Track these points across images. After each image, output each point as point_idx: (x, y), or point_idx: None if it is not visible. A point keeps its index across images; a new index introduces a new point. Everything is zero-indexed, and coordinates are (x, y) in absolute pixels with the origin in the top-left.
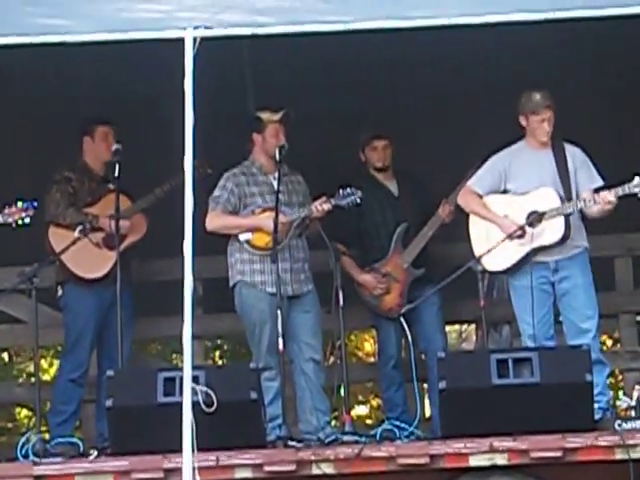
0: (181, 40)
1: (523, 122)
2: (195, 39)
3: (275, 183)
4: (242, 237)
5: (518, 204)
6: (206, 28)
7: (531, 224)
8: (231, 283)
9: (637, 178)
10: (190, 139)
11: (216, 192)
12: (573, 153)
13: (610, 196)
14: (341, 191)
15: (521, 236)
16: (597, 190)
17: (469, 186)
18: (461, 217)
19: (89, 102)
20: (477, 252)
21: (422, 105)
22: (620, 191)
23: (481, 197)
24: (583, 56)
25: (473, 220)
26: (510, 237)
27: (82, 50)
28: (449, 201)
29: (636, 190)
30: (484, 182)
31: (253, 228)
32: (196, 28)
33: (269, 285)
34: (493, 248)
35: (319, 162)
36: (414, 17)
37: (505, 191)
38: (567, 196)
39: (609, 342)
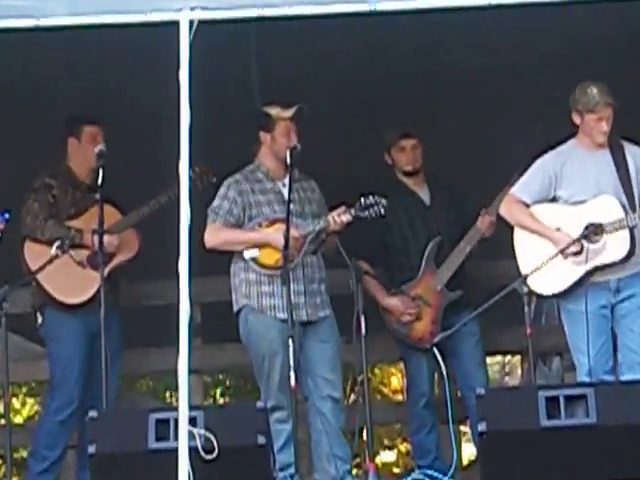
0: (175, 23)
1: (577, 120)
2: (192, 22)
3: (285, 191)
4: (247, 254)
5: (573, 215)
6: (204, 9)
7: (589, 238)
8: (235, 308)
9: None
10: (186, 140)
11: (216, 202)
12: (634, 154)
13: None
14: (362, 200)
15: (577, 253)
16: None
17: (513, 194)
18: (504, 231)
19: (71, 99)
20: (524, 271)
21: (457, 98)
22: None
23: (528, 206)
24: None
25: (519, 234)
26: (563, 253)
27: (57, 36)
28: (489, 212)
29: None
30: (531, 189)
31: (260, 244)
32: (193, 9)
33: (280, 310)
34: (543, 266)
35: (336, 166)
36: None
37: (555, 199)
38: (631, 205)
39: None
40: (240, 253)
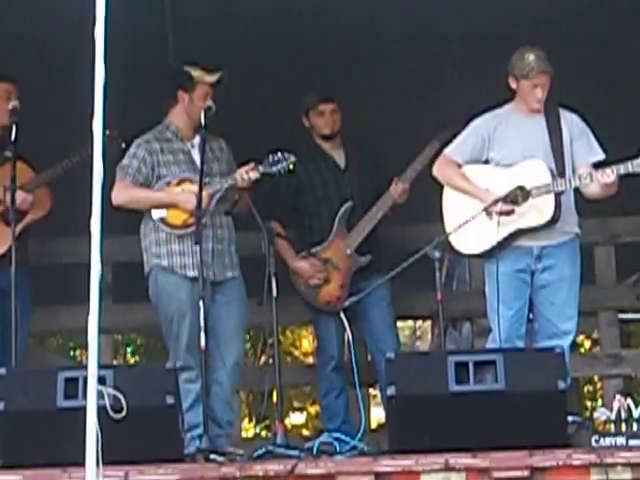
0: None
1: (513, 85)
2: None
3: (194, 151)
4: (155, 214)
5: (503, 177)
6: None
7: (515, 201)
8: (146, 269)
9: None
10: (100, 98)
11: (125, 160)
12: (570, 121)
13: (610, 175)
14: (270, 156)
15: (503, 213)
16: (596, 166)
17: (446, 154)
18: (417, 195)
19: None
20: (450, 230)
21: (382, 66)
22: (623, 169)
23: (460, 167)
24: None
25: (448, 193)
26: (488, 212)
27: None
28: (402, 179)
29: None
30: (464, 149)
31: (167, 204)
32: None
33: (190, 268)
34: (467, 222)
35: (251, 127)
36: None
37: (487, 161)
38: (559, 171)
39: (587, 343)
40: (149, 213)
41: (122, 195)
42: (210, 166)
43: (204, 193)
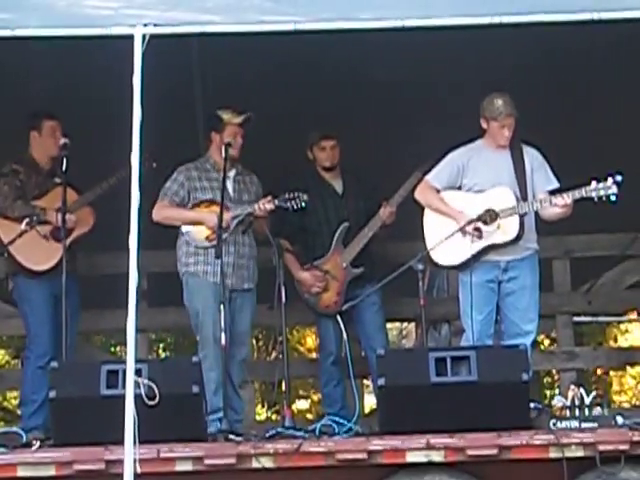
0: (130, 37)
1: (484, 125)
2: (144, 36)
3: (228, 181)
4: (184, 229)
5: (474, 201)
6: (155, 26)
7: (485, 221)
8: (180, 275)
9: (594, 182)
10: (137, 135)
11: (167, 184)
12: (531, 155)
13: (566, 199)
14: (287, 194)
15: (476, 235)
16: (553, 192)
17: (427, 180)
18: (404, 216)
19: (38, 97)
20: (430, 245)
21: (373, 107)
22: (577, 194)
23: (439, 191)
24: (540, 58)
25: (428, 214)
26: (463, 231)
27: (29, 44)
28: (390, 203)
29: (593, 194)
30: (442, 176)
31: (194, 221)
32: (145, 25)
33: (211, 275)
34: (445, 239)
35: (268, 160)
36: (363, 19)
37: (461, 187)
38: (523, 196)
39: (546, 342)
40: (181, 229)
41: (159, 213)
42: (241, 195)
43: (227, 215)
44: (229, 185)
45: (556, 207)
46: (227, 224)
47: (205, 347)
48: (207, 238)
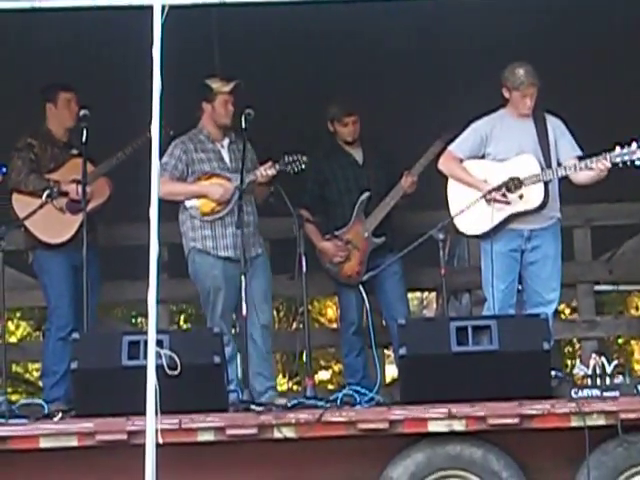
0: (149, 8)
1: (506, 94)
2: (163, 7)
3: (223, 151)
4: (188, 204)
5: (498, 169)
6: None
7: (509, 189)
8: (185, 251)
9: (618, 148)
10: (157, 106)
11: (164, 159)
12: (554, 123)
13: (606, 162)
14: (286, 157)
15: (499, 200)
16: (580, 158)
17: (450, 150)
18: (424, 186)
19: (55, 69)
20: (453, 214)
21: (395, 76)
22: (609, 158)
23: (462, 161)
24: (565, 28)
25: (452, 184)
26: (486, 199)
27: (48, 16)
28: (411, 172)
29: (617, 160)
30: (465, 146)
31: (198, 195)
32: None
33: (221, 249)
34: (468, 208)
35: (287, 130)
36: None
37: (484, 156)
38: (547, 163)
39: (567, 311)
40: (184, 204)
41: (161, 189)
42: (237, 164)
43: (229, 185)
44: (225, 155)
45: (589, 170)
46: (231, 195)
47: (217, 323)
48: (212, 211)
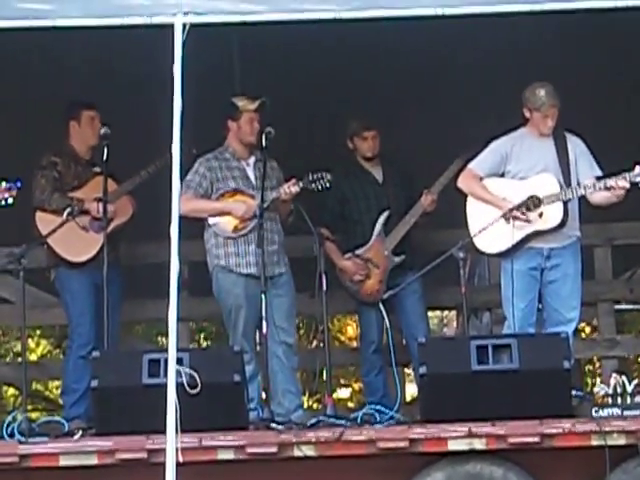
0: (170, 26)
1: (527, 114)
2: (184, 25)
3: (248, 169)
4: (212, 221)
5: (518, 188)
6: (195, 14)
7: (529, 208)
8: (210, 269)
9: (637, 167)
10: (178, 124)
11: (189, 176)
12: (574, 142)
13: (624, 182)
14: (310, 175)
15: (519, 218)
16: (599, 179)
17: (470, 169)
18: (444, 204)
19: (77, 86)
20: (473, 232)
21: (410, 93)
22: (628, 178)
23: (481, 179)
24: (582, 46)
25: (471, 202)
26: (506, 218)
27: (71, 34)
28: (431, 191)
29: (637, 179)
30: (485, 165)
31: (222, 211)
32: (186, 14)
33: (243, 267)
34: (488, 226)
35: (308, 148)
36: (400, 7)
37: (504, 174)
38: (567, 183)
39: (587, 330)
40: (208, 221)
41: (185, 206)
42: (264, 181)
43: (253, 202)
44: (250, 173)
45: (607, 191)
46: (254, 212)
47: (239, 342)
48: (236, 228)
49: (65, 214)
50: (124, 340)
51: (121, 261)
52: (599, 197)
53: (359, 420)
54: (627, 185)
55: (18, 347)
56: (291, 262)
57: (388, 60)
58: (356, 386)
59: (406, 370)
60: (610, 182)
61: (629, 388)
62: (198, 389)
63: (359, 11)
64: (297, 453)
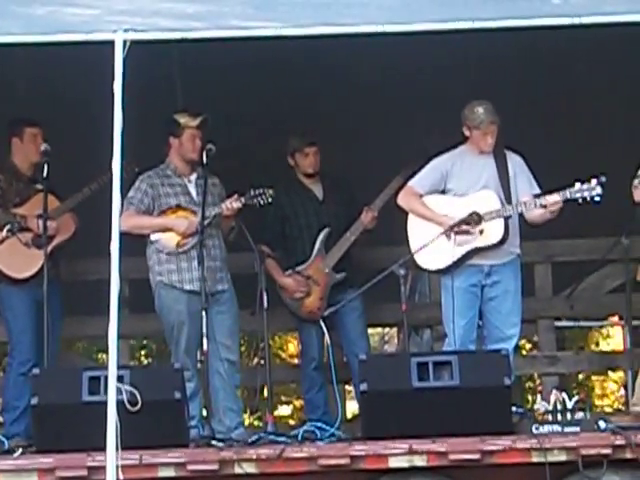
0: (111, 43)
1: (466, 132)
2: (125, 42)
3: (190, 185)
4: (153, 237)
5: (458, 204)
6: (136, 31)
7: (469, 224)
8: (152, 286)
9: (577, 184)
10: (119, 141)
11: (130, 193)
12: (514, 160)
13: (555, 197)
14: (252, 191)
15: (461, 232)
16: (536, 196)
17: (410, 186)
18: (385, 222)
19: (19, 103)
20: (414, 249)
21: (351, 110)
22: (568, 194)
23: (421, 196)
24: (521, 63)
25: (412, 219)
26: (447, 235)
27: (12, 51)
28: (371, 208)
29: (577, 195)
30: (425, 182)
31: (164, 228)
32: (126, 31)
33: (186, 283)
34: (429, 243)
35: (248, 166)
36: (344, 24)
37: (445, 192)
38: (507, 200)
39: (528, 346)
40: (150, 237)
41: (127, 222)
42: (205, 198)
43: (195, 219)
44: (191, 189)
45: (542, 208)
46: (196, 228)
47: (181, 359)
48: (178, 244)
49: (5, 230)
50: (64, 357)
51: (62, 278)
52: (535, 214)
53: (300, 437)
54: (560, 201)
55: None
56: (232, 279)
57: (329, 76)
58: (297, 403)
59: (347, 387)
60: (542, 200)
61: (569, 405)
62: (139, 406)
63: (301, 28)
64: (238, 470)
